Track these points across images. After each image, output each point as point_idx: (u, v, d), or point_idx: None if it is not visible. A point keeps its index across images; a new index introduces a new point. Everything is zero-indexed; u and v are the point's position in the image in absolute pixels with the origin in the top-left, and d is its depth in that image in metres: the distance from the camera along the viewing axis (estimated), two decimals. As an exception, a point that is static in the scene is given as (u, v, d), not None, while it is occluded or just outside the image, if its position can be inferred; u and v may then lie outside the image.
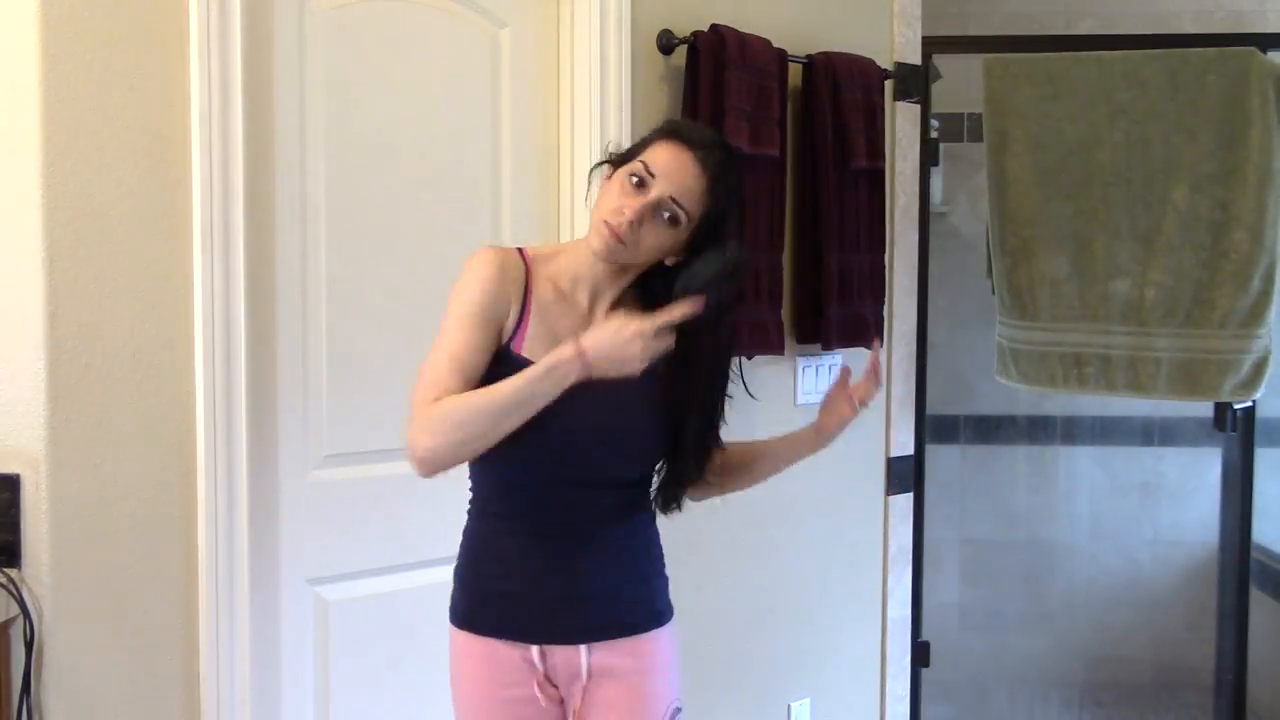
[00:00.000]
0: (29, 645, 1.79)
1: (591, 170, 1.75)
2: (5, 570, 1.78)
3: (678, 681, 1.79)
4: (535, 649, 1.70)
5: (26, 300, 1.80)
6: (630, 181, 1.60)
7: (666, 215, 1.59)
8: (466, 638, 1.73)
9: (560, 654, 1.71)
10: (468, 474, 1.73)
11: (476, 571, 1.74)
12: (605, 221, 1.59)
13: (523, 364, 1.59)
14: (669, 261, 1.65)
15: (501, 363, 1.63)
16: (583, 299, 1.68)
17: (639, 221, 1.58)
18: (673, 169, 1.59)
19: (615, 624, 1.72)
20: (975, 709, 3.87)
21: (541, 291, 1.68)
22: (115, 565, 1.87)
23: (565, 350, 1.54)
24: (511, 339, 1.65)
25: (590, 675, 1.71)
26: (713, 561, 2.66)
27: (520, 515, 1.70)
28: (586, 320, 1.67)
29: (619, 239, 1.58)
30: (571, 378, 1.54)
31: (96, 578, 1.86)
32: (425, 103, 2.26)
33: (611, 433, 1.67)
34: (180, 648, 1.95)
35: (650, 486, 1.76)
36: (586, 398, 1.56)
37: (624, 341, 1.53)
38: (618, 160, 1.67)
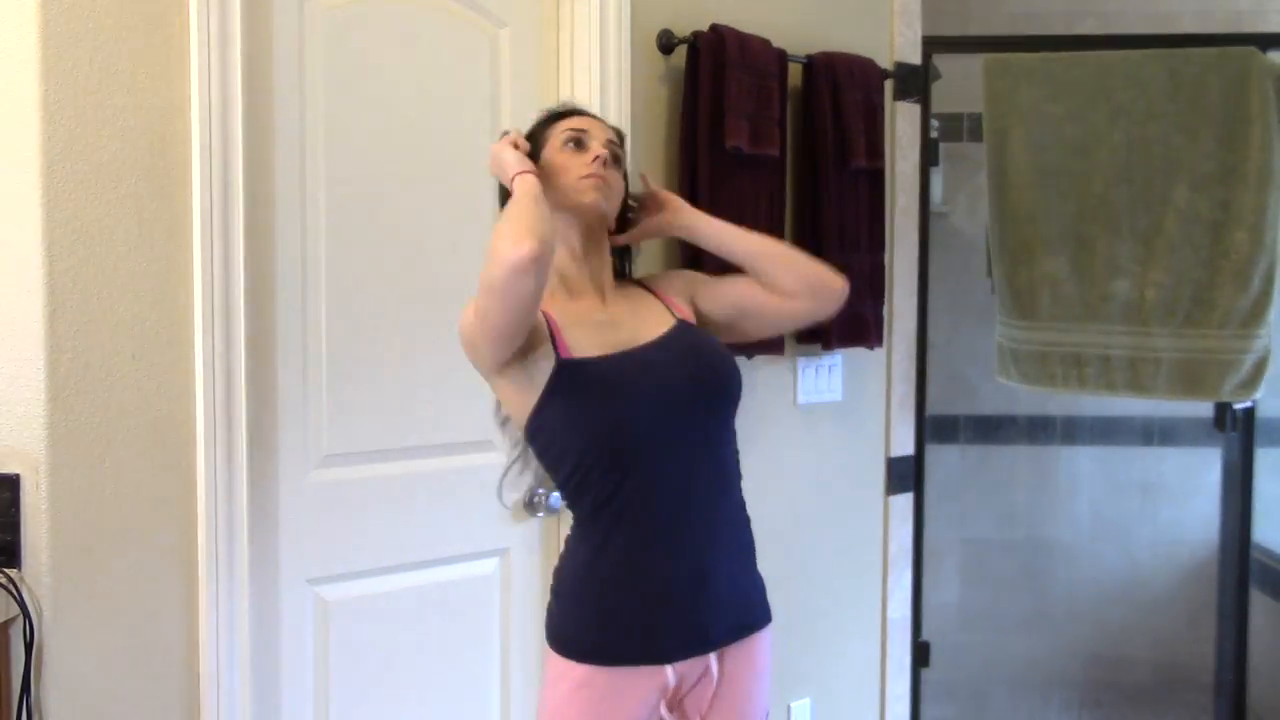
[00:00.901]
0: (29, 645, 1.79)
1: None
2: (5, 570, 1.78)
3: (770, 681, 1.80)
4: (669, 669, 1.64)
5: (26, 300, 1.80)
6: (570, 146, 1.76)
7: (613, 155, 1.78)
8: (591, 670, 1.63)
9: (691, 667, 1.66)
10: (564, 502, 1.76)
11: (599, 598, 1.64)
12: (583, 177, 1.73)
13: (584, 364, 1.63)
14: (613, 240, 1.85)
15: (568, 372, 1.63)
16: (586, 284, 1.78)
17: (606, 159, 1.74)
18: (590, 125, 1.79)
19: (740, 624, 1.71)
20: (975, 709, 3.87)
21: (546, 301, 1.72)
22: (115, 565, 1.87)
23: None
24: (558, 351, 1.64)
25: (723, 679, 1.68)
26: (713, 561, 2.66)
27: (637, 512, 1.62)
28: (601, 296, 1.78)
29: (604, 180, 1.73)
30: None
31: (96, 578, 1.86)
32: (425, 103, 2.26)
33: (684, 355, 1.71)
34: (180, 648, 1.95)
35: (737, 469, 1.76)
36: (640, 359, 1.67)
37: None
38: (531, 145, 1.80)
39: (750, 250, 1.82)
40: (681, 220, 1.88)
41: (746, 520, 1.77)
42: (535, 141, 1.80)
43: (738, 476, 1.76)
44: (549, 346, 1.64)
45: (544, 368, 1.63)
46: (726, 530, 1.69)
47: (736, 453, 1.76)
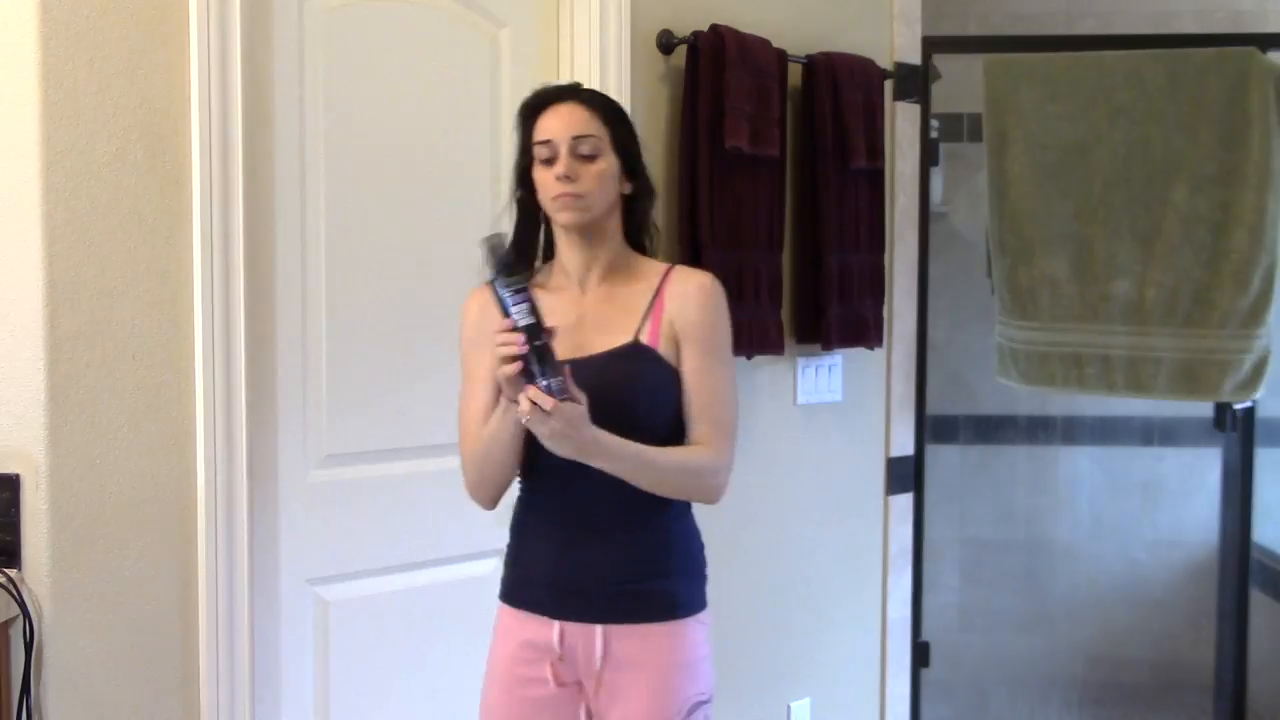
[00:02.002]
0: (29, 645, 1.79)
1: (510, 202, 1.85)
2: (5, 570, 1.78)
3: (703, 678, 1.79)
4: (556, 626, 1.76)
5: (26, 300, 1.80)
6: (544, 165, 1.74)
7: (585, 151, 1.73)
8: (502, 610, 1.84)
9: (578, 635, 1.75)
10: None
11: (517, 548, 1.84)
12: (553, 197, 1.73)
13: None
14: (625, 190, 1.79)
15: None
16: (570, 276, 1.80)
17: (571, 174, 1.71)
18: (556, 122, 1.74)
19: (628, 612, 1.75)
20: (975, 709, 3.87)
21: (534, 297, 1.71)
22: (115, 565, 1.87)
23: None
24: None
25: (606, 661, 1.74)
26: (713, 561, 2.65)
27: (546, 497, 1.79)
28: (579, 298, 1.79)
29: (571, 194, 1.72)
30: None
31: (96, 578, 1.86)
32: (425, 103, 2.26)
33: (605, 385, 1.69)
34: (180, 648, 1.95)
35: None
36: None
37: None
38: (521, 173, 1.80)
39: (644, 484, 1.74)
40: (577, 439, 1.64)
41: (669, 531, 1.79)
42: (525, 155, 1.79)
43: (650, 499, 1.74)
44: None
45: None
46: (619, 530, 1.76)
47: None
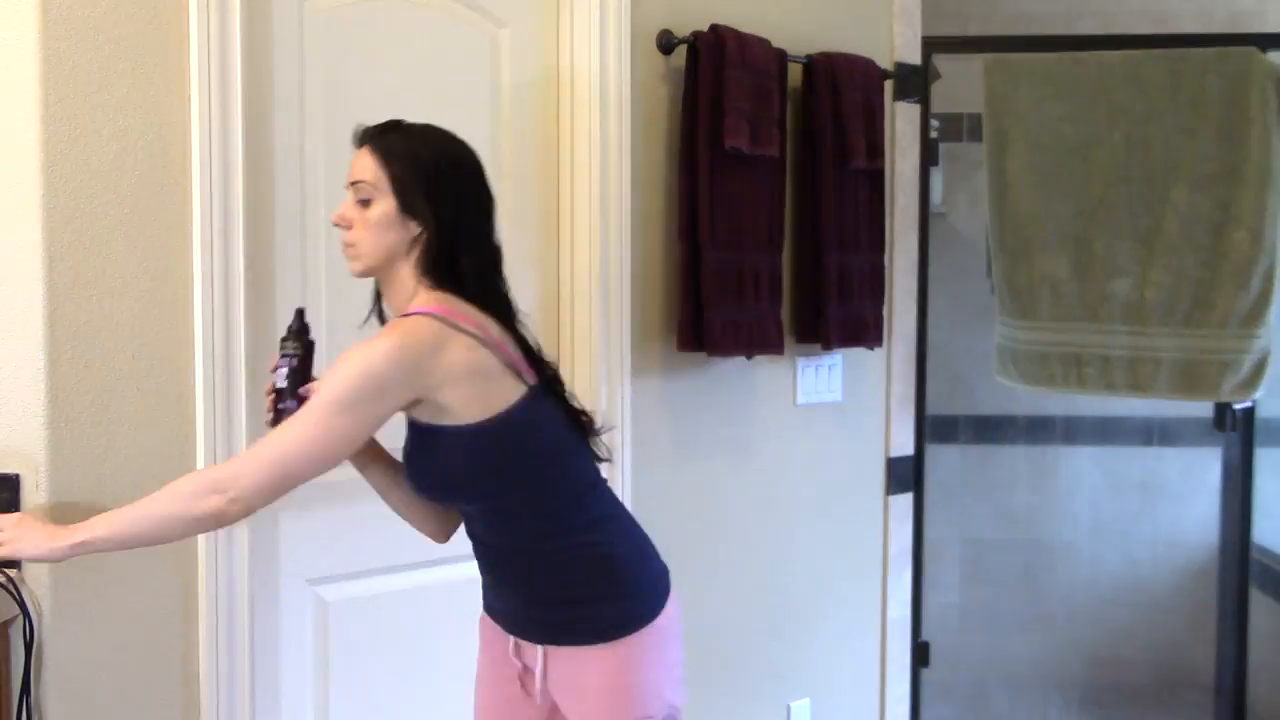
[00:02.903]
0: (29, 645, 1.79)
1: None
2: (5, 570, 1.78)
3: (649, 699, 1.74)
4: (512, 641, 1.81)
5: (26, 300, 1.80)
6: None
7: (362, 197, 1.68)
8: (483, 615, 1.88)
9: (529, 652, 1.79)
10: None
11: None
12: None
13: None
14: (415, 230, 1.67)
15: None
16: None
17: (343, 221, 1.69)
18: (350, 167, 1.71)
19: (556, 634, 1.76)
20: (975, 709, 3.87)
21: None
22: (115, 565, 1.87)
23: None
24: None
25: (546, 680, 1.77)
26: (712, 562, 2.66)
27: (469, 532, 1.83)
28: None
29: (345, 244, 1.70)
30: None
31: (96, 578, 1.86)
32: (425, 103, 2.26)
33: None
34: (180, 647, 1.95)
35: (519, 515, 1.72)
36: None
37: None
38: None
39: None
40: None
41: (554, 559, 1.73)
42: None
43: (518, 517, 1.72)
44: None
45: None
46: (519, 566, 1.77)
47: (517, 500, 1.71)
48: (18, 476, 1.80)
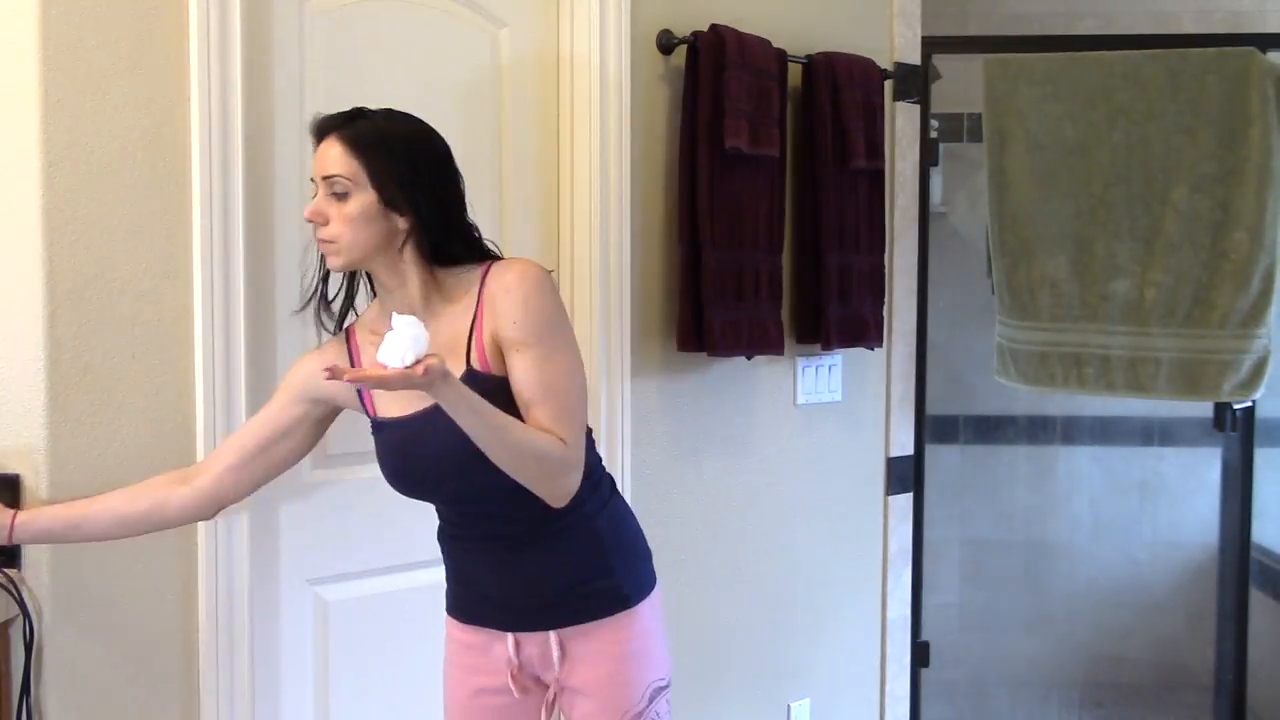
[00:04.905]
0: (29, 645, 1.79)
1: None
2: (5, 570, 1.78)
3: (658, 660, 1.78)
4: (511, 638, 1.77)
5: (26, 300, 1.80)
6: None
7: (338, 191, 1.63)
8: (453, 624, 1.85)
9: (534, 643, 1.77)
10: None
11: (455, 567, 1.84)
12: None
13: (384, 422, 1.72)
14: (402, 224, 1.64)
15: (375, 428, 1.76)
16: (384, 321, 1.63)
17: (317, 218, 1.64)
18: (316, 161, 1.66)
19: (578, 613, 1.75)
20: (975, 709, 3.87)
21: (367, 348, 1.74)
22: (115, 565, 1.87)
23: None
24: (365, 407, 1.77)
25: (564, 662, 1.75)
26: (712, 562, 2.66)
27: (456, 529, 1.81)
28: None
29: (322, 240, 1.65)
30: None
31: (96, 578, 1.86)
32: (425, 103, 2.25)
33: (412, 456, 1.73)
34: (180, 647, 1.95)
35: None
36: (396, 436, 1.71)
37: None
38: None
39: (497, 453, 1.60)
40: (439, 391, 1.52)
41: (582, 526, 1.73)
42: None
43: (523, 493, 1.65)
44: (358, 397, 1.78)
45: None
46: (547, 541, 1.73)
47: (529, 499, 1.67)
48: (18, 476, 1.80)
